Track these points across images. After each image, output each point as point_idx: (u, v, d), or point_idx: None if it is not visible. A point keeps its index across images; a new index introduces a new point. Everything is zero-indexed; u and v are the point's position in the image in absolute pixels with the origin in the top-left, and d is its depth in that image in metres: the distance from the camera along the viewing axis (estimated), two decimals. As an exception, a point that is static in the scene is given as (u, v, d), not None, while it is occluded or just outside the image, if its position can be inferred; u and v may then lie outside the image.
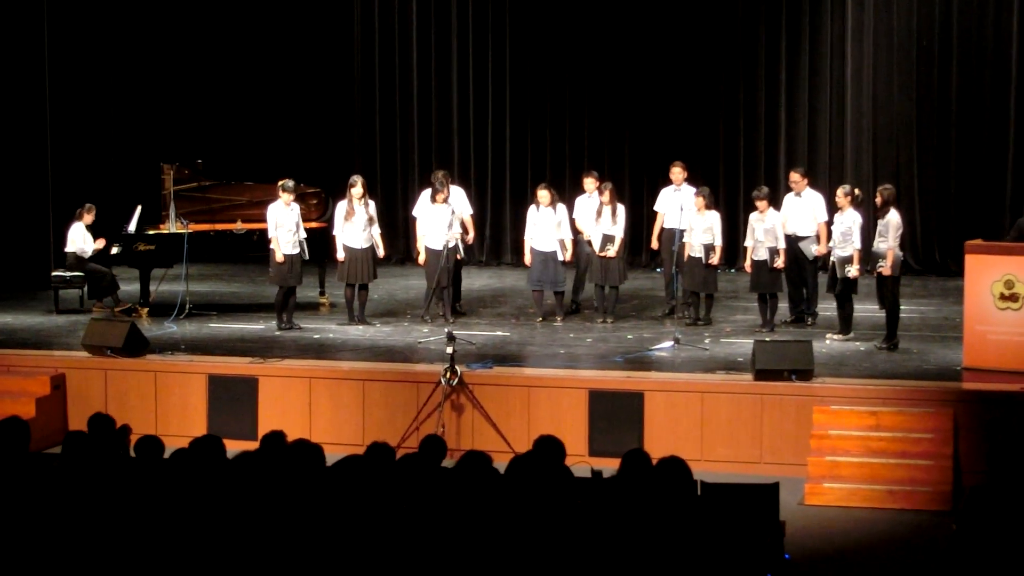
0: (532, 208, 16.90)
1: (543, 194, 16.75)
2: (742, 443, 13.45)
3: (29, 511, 7.88)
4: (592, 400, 13.74)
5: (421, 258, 16.97)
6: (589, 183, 17.21)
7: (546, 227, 16.69)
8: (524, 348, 15.61)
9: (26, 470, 8.52)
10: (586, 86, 22.20)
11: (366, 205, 16.76)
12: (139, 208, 17.89)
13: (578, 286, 17.55)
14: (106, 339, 15.16)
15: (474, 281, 19.90)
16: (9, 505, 7.94)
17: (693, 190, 16.74)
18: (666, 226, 17.10)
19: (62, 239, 18.20)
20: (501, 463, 8.27)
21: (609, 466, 8.78)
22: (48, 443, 13.29)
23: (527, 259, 16.94)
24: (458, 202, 17.30)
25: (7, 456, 8.67)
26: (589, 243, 16.82)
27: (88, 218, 17.96)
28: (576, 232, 17.04)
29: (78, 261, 17.86)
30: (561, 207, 16.84)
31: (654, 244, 17.63)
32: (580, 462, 11.28)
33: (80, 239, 17.84)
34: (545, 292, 16.97)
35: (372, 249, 16.84)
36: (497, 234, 22.35)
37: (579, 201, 17.26)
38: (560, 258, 16.71)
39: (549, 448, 8.37)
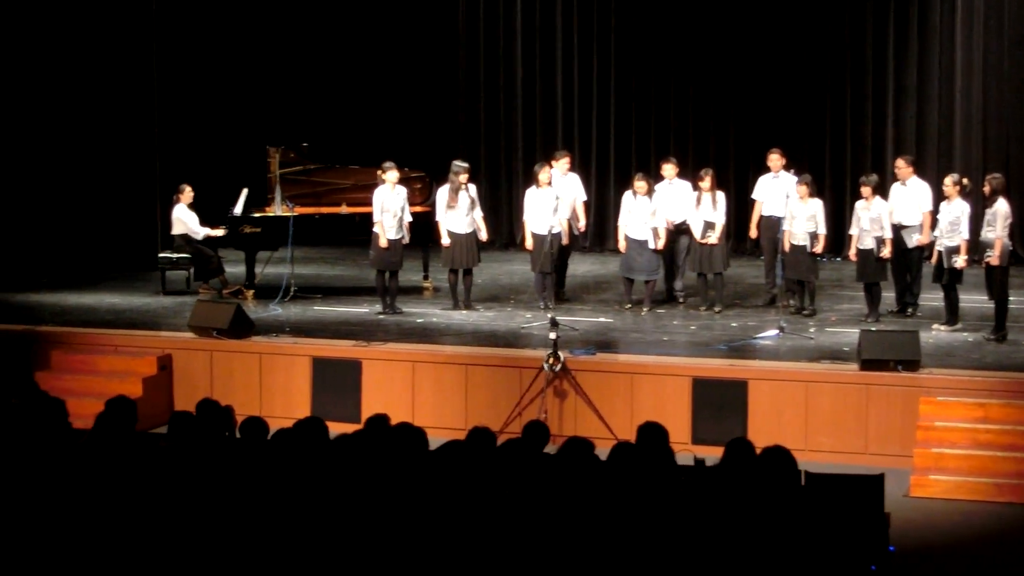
0: (628, 195, 16.79)
1: (640, 183, 16.66)
2: (847, 433, 13.31)
3: (136, 489, 7.95)
4: (696, 388, 13.66)
5: (528, 243, 16.94)
6: (668, 169, 17.12)
7: (640, 215, 16.59)
8: (627, 335, 15.54)
9: (133, 449, 8.60)
10: (691, 71, 22.01)
11: (468, 189, 16.77)
12: (245, 191, 17.99)
13: (669, 275, 17.44)
14: (212, 321, 15.29)
15: (578, 267, 19.84)
16: (117, 483, 8.01)
17: (792, 177, 16.57)
18: (765, 214, 16.93)
19: (168, 223, 18.35)
20: (603, 450, 8.24)
21: (712, 454, 8.72)
22: (154, 423, 13.43)
23: (621, 246, 16.86)
24: (572, 188, 17.25)
25: (115, 435, 8.76)
26: (689, 231, 16.69)
27: (185, 198, 18.02)
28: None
29: (186, 242, 18.00)
30: (656, 196, 16.75)
31: (753, 233, 17.42)
32: (683, 450, 11.16)
33: (188, 219, 17.95)
34: (636, 280, 16.89)
35: (475, 234, 16.85)
36: (601, 220, 22.25)
37: (659, 188, 17.03)
38: (652, 246, 16.63)
39: (653, 435, 8.31)
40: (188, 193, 17.99)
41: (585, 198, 17.95)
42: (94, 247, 20.37)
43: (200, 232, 17.83)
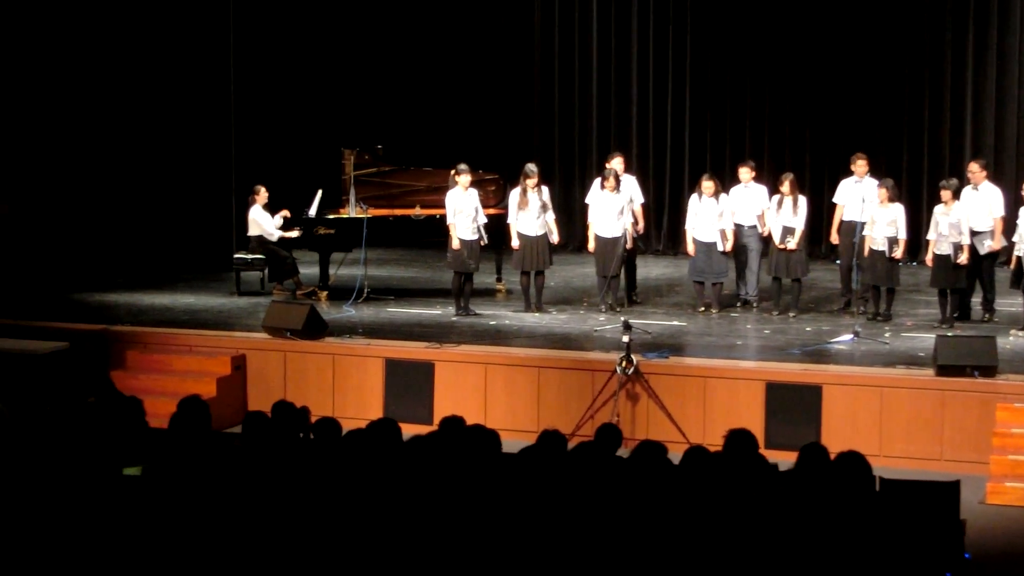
0: (694, 197, 16.75)
1: (707, 184, 16.61)
2: (922, 439, 13.20)
3: (211, 489, 7.99)
4: (769, 392, 13.60)
5: (591, 245, 16.90)
6: (745, 172, 17.04)
7: (708, 217, 16.54)
8: (700, 338, 15.49)
9: (208, 449, 8.65)
10: (767, 73, 21.88)
11: (539, 192, 16.77)
12: (319, 192, 18.07)
13: (739, 278, 17.35)
14: (286, 321, 15.35)
15: (651, 270, 19.80)
16: (191, 483, 8.07)
17: (874, 182, 16.45)
18: (846, 218, 16.80)
19: (243, 224, 18.41)
20: (676, 454, 8.22)
21: (786, 459, 8.67)
22: (228, 423, 13.54)
23: (689, 249, 16.81)
24: (628, 190, 17.23)
25: (189, 435, 8.83)
26: (769, 236, 16.63)
27: (261, 199, 18.05)
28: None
29: (261, 243, 18.07)
30: (723, 197, 16.68)
31: (833, 237, 17.26)
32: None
33: (263, 221, 18.00)
34: (706, 283, 16.84)
35: (547, 236, 16.82)
36: (674, 223, 22.13)
37: (734, 191, 17.02)
38: (720, 248, 16.56)
39: (741, 442, 8.25)
40: (263, 194, 18.04)
41: (643, 200, 17.89)
42: (169, 247, 20.51)
43: (275, 233, 17.87)
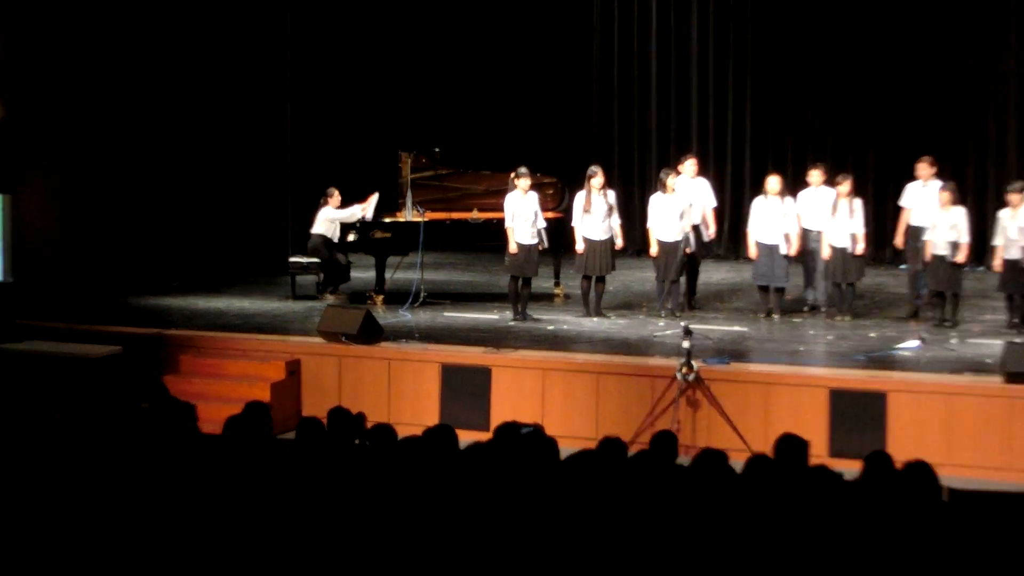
0: (759, 199, 16.67)
1: (773, 182, 16.48)
2: (991, 448, 13.02)
3: (267, 494, 7.97)
4: (833, 399, 13.46)
5: (652, 250, 16.84)
6: (816, 176, 16.94)
7: (772, 218, 16.44)
8: (762, 344, 15.40)
9: (264, 454, 8.63)
10: (832, 75, 21.85)
11: (605, 195, 16.69)
12: (375, 195, 18.12)
13: (808, 283, 17.25)
14: (341, 326, 15.33)
15: (712, 275, 19.73)
16: (253, 488, 8.04)
17: (940, 184, 16.28)
18: (912, 223, 16.66)
19: (306, 226, 18.48)
20: (738, 462, 8.14)
21: (850, 468, 8.55)
22: (282, 428, 13.45)
23: (751, 252, 16.71)
24: (701, 193, 17.13)
25: (251, 440, 8.82)
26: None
27: (334, 201, 18.15)
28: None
29: (324, 245, 18.12)
30: (788, 198, 16.58)
31: (898, 242, 17.13)
32: (821, 463, 11.04)
33: (343, 213, 18.08)
34: (769, 287, 16.75)
35: (611, 240, 16.76)
36: (736, 226, 22.08)
37: (803, 195, 16.93)
38: (784, 251, 16.43)
39: (791, 448, 8.19)
40: (337, 197, 18.15)
41: (715, 204, 17.82)
42: (224, 250, 20.67)
43: (356, 216, 17.90)
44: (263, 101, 21.06)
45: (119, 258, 19.63)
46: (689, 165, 17.29)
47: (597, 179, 16.63)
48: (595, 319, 16.69)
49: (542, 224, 16.72)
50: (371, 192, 18.10)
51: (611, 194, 16.88)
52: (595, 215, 16.62)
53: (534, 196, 16.72)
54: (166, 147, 20.33)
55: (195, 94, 20.60)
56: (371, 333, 15.28)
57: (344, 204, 18.16)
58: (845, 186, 16.27)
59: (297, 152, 21.25)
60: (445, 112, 23.29)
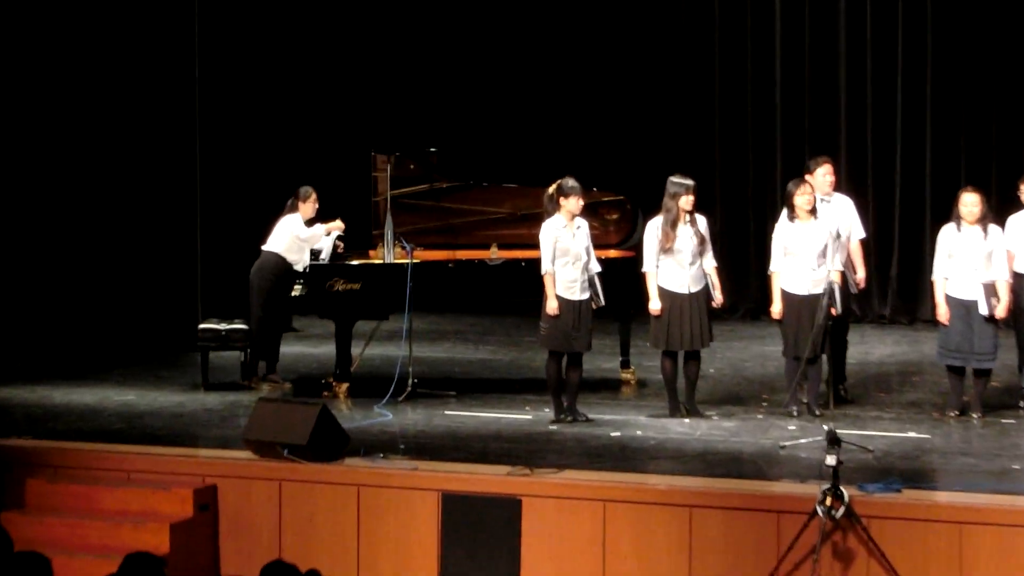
0: (948, 229, 16.77)
1: (970, 203, 16.34)
2: None
3: None
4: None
5: (775, 309, 16.81)
6: None
7: (969, 259, 16.46)
8: (953, 460, 15.27)
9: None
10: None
11: (694, 223, 16.56)
12: (337, 225, 18.38)
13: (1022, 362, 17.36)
14: (282, 432, 15.15)
15: (871, 347, 19.82)
16: None
17: None
18: None
19: (263, 236, 18.85)
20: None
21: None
22: (189, 598, 13.51)
23: (940, 313, 16.73)
24: (840, 216, 17.05)
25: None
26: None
27: (308, 208, 18.54)
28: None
29: (276, 276, 18.40)
30: (994, 228, 16.69)
31: None
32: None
33: (297, 240, 18.42)
34: (967, 368, 16.72)
35: (706, 293, 16.65)
36: (909, 275, 22.18)
37: (1012, 220, 17.14)
38: (985, 311, 16.47)
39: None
40: (312, 203, 18.60)
41: (863, 235, 17.93)
42: (98, 312, 21.06)
43: (321, 245, 18.44)
44: (167, 107, 21.52)
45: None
46: (822, 175, 17.29)
47: (685, 198, 16.50)
48: (686, 419, 16.69)
49: (596, 268, 16.62)
50: (332, 218, 18.20)
51: (703, 221, 16.78)
52: (680, 254, 16.54)
53: (585, 225, 16.62)
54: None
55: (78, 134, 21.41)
56: (330, 444, 15.12)
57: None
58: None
59: (208, 158, 21.44)
60: (445, 95, 23.43)
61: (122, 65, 21.90)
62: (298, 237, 18.30)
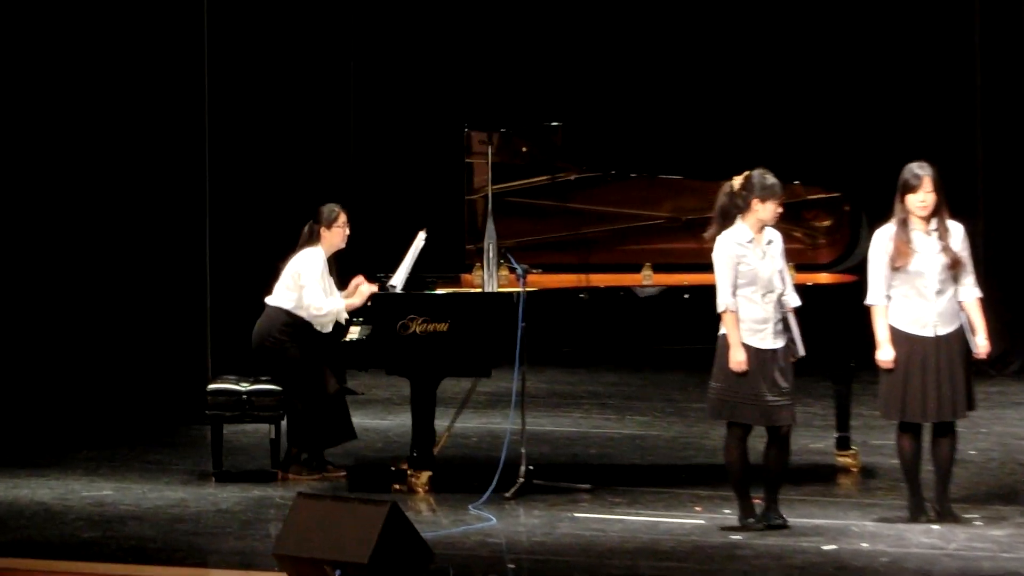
0: None
1: None
2: None
3: None
4: None
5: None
6: None
7: None
8: None
9: None
10: None
11: (944, 231, 16.48)
12: (420, 238, 18.37)
13: None
14: (332, 545, 15.14)
15: None
16: None
17: None
18: None
19: (273, 279, 18.97)
20: None
21: None
22: None
23: None
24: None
25: None
26: None
27: (336, 237, 18.68)
28: None
29: (286, 336, 18.49)
30: None
31: None
32: None
33: (315, 287, 18.48)
34: None
35: (960, 335, 16.55)
36: None
37: None
38: None
39: None
40: (342, 230, 18.82)
41: None
42: (77, 370, 21.25)
43: (326, 318, 18.51)
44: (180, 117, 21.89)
45: None
46: None
47: (921, 196, 16.33)
48: (935, 526, 16.52)
49: (796, 301, 16.52)
50: (360, 277, 18.37)
51: (958, 231, 16.64)
52: (921, 279, 16.48)
53: (780, 240, 16.46)
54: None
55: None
56: (403, 562, 15.11)
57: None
58: None
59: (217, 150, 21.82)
60: (571, 44, 23.59)
61: (125, 80, 22.66)
62: (310, 308, 18.27)
